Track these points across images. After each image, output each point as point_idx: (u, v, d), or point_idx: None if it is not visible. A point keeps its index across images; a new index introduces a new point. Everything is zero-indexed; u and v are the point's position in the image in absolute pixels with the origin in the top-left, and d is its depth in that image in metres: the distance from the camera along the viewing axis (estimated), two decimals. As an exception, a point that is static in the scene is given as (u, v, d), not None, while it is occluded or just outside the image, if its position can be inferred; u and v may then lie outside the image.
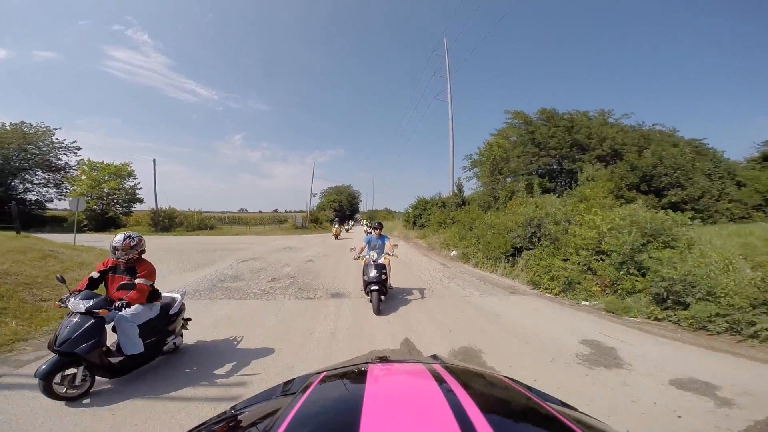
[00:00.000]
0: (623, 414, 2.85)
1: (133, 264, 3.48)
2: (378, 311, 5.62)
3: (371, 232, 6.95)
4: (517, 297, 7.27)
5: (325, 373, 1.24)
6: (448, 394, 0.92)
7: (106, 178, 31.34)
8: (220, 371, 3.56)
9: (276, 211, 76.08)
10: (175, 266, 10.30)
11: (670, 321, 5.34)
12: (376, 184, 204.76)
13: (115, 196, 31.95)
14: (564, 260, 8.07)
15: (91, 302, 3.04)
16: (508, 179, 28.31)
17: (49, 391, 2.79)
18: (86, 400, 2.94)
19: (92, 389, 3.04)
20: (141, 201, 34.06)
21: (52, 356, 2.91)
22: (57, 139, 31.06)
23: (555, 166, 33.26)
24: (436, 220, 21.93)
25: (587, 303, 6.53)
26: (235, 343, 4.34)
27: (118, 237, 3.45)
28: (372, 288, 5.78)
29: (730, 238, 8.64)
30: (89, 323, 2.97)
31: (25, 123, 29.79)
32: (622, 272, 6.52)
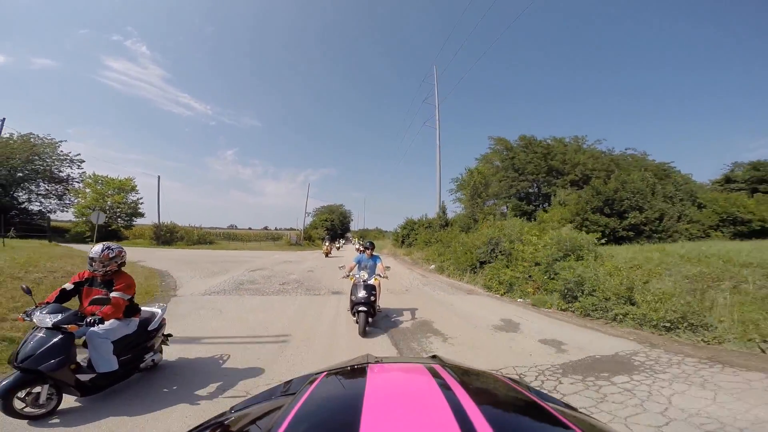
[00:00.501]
0: (501, 353, 4.93)
1: (111, 277, 3.30)
2: (364, 333, 5.42)
3: (363, 251, 6.79)
4: (471, 296, 9.56)
5: (325, 372, 1.25)
6: (448, 393, 0.92)
7: (110, 192, 32.89)
8: (202, 391, 3.37)
9: (266, 228, 76.38)
10: (194, 274, 12.07)
11: (571, 311, 7.61)
12: (368, 205, 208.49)
13: (119, 209, 33.27)
14: (513, 270, 10.38)
15: (59, 316, 2.83)
16: (490, 202, 30.84)
17: (8, 410, 2.60)
18: (54, 420, 2.77)
19: (60, 407, 2.86)
20: (142, 215, 35.37)
21: (14, 372, 2.72)
22: (62, 151, 32.25)
23: (533, 190, 36.00)
24: (422, 239, 23.90)
25: (521, 300, 8.81)
26: (221, 361, 4.17)
27: (96, 248, 3.27)
28: (359, 309, 5.58)
29: (642, 253, 11.10)
30: (56, 339, 2.75)
31: (33, 134, 30.84)
32: (546, 277, 8.84)
